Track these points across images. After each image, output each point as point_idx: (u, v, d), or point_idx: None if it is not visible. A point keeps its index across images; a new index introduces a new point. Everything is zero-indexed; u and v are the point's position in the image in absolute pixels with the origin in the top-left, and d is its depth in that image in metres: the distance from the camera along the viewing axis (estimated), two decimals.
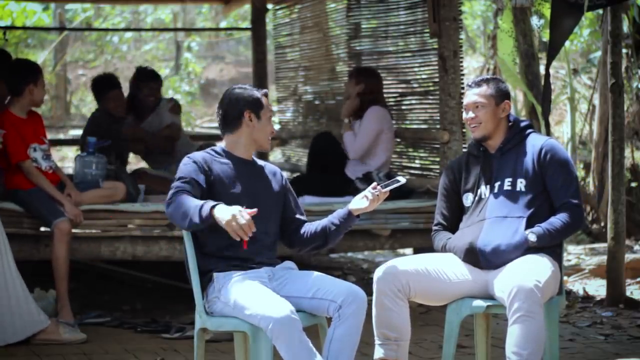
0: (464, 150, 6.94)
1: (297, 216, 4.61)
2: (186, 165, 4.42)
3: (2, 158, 6.46)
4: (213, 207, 4.19)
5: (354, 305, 4.26)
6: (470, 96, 4.75)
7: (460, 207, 4.82)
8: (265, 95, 4.59)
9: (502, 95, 4.75)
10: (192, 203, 4.25)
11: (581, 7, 6.55)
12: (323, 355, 4.24)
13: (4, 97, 6.74)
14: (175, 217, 4.31)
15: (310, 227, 4.57)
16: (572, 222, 4.62)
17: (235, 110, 4.50)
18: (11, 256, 6.02)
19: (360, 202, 4.48)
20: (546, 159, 4.66)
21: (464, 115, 4.81)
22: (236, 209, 4.17)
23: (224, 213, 4.17)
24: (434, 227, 4.88)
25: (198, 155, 4.48)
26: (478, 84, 4.76)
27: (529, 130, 4.77)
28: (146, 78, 8.30)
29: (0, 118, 6.47)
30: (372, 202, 4.46)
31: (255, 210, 4.20)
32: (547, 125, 6.94)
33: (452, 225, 4.83)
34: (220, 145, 4.58)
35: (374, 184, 4.52)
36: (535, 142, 4.71)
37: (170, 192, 4.35)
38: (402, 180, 4.53)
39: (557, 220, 4.59)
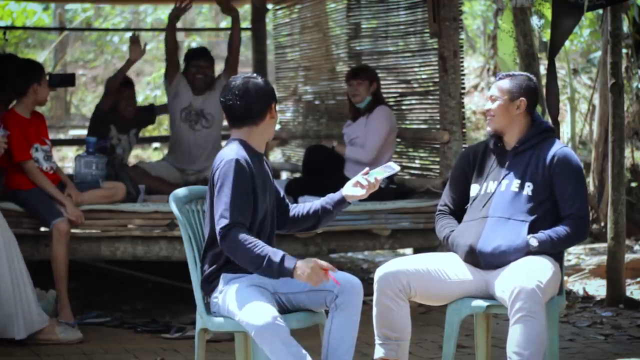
0: (464, 148, 6.95)
1: (283, 197, 4.56)
2: (239, 175, 4.26)
3: (3, 157, 6.46)
4: (294, 268, 4.15)
5: (350, 293, 4.25)
6: (492, 88, 4.76)
7: (468, 193, 4.80)
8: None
9: (519, 92, 4.70)
10: (262, 251, 4.16)
11: (581, 7, 6.55)
12: (323, 347, 4.24)
13: (11, 100, 6.74)
14: (238, 257, 4.22)
15: (301, 209, 4.53)
16: (576, 234, 4.60)
17: (263, 102, 4.37)
18: (16, 254, 6.02)
19: (355, 190, 4.45)
20: (557, 167, 4.61)
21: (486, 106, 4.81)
22: (311, 263, 4.15)
23: (303, 270, 4.14)
24: (439, 208, 4.86)
25: (240, 156, 4.31)
26: (502, 77, 4.75)
27: (548, 134, 4.73)
28: (194, 56, 8.24)
29: (5, 117, 6.47)
30: (367, 190, 4.44)
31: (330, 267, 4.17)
32: (557, 125, 6.88)
33: (457, 209, 4.81)
34: (236, 137, 4.42)
35: (366, 169, 4.50)
36: (550, 148, 4.66)
37: (226, 223, 4.20)
38: (396, 167, 4.50)
39: (562, 229, 4.57)
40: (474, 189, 4.76)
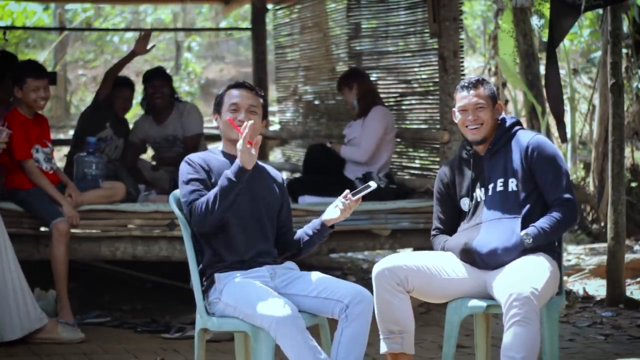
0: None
1: (287, 225, 4.62)
2: (189, 170, 4.42)
3: (3, 156, 6.46)
4: (237, 167, 4.26)
5: (361, 305, 4.26)
6: (470, 97, 4.70)
7: (456, 210, 4.81)
8: (235, 86, 4.54)
9: (495, 97, 4.76)
10: (214, 191, 4.28)
11: (579, 8, 6.55)
12: (332, 357, 4.24)
13: (10, 99, 6.74)
14: (208, 212, 4.29)
15: (285, 243, 4.59)
16: (567, 217, 4.61)
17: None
18: (11, 254, 6.02)
19: (332, 212, 4.48)
20: (533, 156, 4.63)
21: (460, 116, 4.73)
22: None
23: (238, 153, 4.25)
24: (433, 232, 4.88)
25: (193, 156, 4.49)
26: (475, 85, 4.72)
27: (516, 128, 4.74)
28: (150, 77, 8.23)
29: (8, 116, 6.46)
30: (343, 211, 4.44)
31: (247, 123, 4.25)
32: (563, 126, 6.83)
33: (449, 228, 4.83)
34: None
35: (346, 191, 4.49)
36: (522, 141, 4.68)
37: (188, 203, 4.34)
38: (372, 185, 4.48)
39: (551, 217, 4.58)
40: (465, 203, 4.77)
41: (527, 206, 4.62)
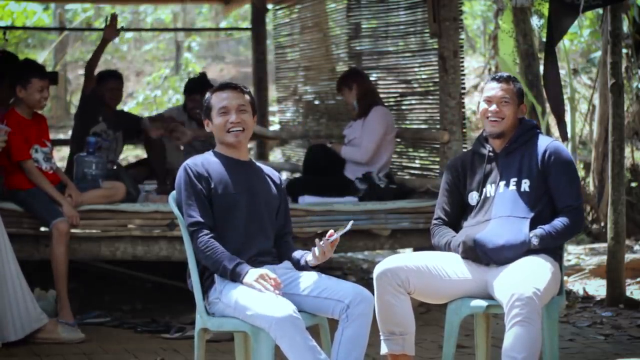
0: (464, 148, 6.95)
1: (286, 226, 4.61)
2: (185, 182, 4.41)
3: (2, 157, 6.46)
4: (244, 274, 4.27)
5: (362, 305, 4.26)
6: (498, 90, 4.73)
7: (462, 203, 4.82)
8: (220, 88, 4.54)
9: (522, 97, 4.80)
10: (221, 257, 4.30)
11: (578, 7, 6.55)
12: (332, 358, 4.24)
13: (10, 99, 6.74)
14: (202, 259, 4.37)
15: (281, 248, 4.57)
16: (574, 225, 4.65)
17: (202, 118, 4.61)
18: (11, 254, 6.02)
19: (310, 258, 4.47)
20: (550, 160, 4.67)
21: (484, 106, 4.76)
22: (262, 271, 4.25)
23: (251, 278, 4.24)
24: (434, 222, 4.87)
25: (191, 162, 4.47)
26: (505, 80, 4.76)
27: (535, 131, 4.78)
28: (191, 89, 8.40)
29: (5, 117, 6.46)
30: (318, 258, 4.42)
31: (280, 284, 4.26)
32: (564, 125, 6.81)
33: (452, 221, 4.83)
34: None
35: (331, 231, 4.43)
36: (540, 144, 4.72)
37: (190, 230, 4.37)
38: (349, 224, 4.41)
39: (559, 223, 4.61)
40: (473, 197, 4.78)
41: (537, 208, 4.64)
